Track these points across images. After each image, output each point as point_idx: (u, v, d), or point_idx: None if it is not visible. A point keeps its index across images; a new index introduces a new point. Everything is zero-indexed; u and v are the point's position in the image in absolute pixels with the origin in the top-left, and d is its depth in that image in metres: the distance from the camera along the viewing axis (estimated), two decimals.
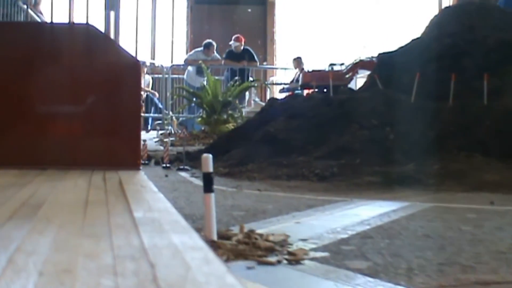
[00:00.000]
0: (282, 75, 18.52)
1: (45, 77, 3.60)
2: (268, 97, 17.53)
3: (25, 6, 11.62)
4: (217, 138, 8.34)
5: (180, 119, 15.84)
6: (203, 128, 12.73)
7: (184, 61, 16.65)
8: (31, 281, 1.09)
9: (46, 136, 3.56)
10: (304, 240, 3.04)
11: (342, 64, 11.60)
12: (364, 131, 6.58)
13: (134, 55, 15.34)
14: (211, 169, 2.80)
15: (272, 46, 20.23)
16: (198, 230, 3.19)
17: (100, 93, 3.64)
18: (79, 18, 19.62)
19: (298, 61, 17.25)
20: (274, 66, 19.39)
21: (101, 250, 1.36)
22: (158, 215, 1.93)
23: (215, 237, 2.77)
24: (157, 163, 7.13)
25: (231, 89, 11.94)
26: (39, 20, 12.54)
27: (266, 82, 16.66)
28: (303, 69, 17.30)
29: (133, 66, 3.68)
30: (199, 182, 5.50)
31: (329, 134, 6.73)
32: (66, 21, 18.56)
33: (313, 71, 11.97)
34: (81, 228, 1.65)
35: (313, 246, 2.93)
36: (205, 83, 12.47)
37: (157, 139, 12.11)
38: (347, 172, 5.82)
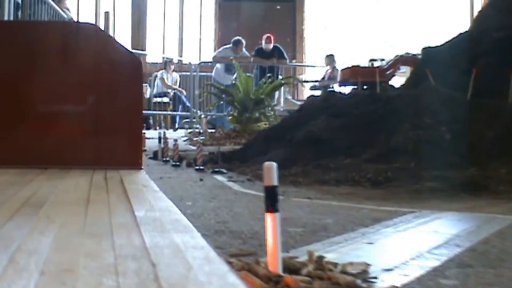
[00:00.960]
0: (312, 73, 17.84)
1: (46, 76, 3.51)
2: (299, 95, 16.86)
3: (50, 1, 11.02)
4: (253, 138, 7.64)
5: (208, 117, 15.23)
6: (232, 127, 12.13)
7: (213, 58, 16.03)
8: (32, 281, 1.07)
9: (47, 135, 3.46)
10: (389, 270, 2.34)
11: (383, 60, 10.83)
12: (417, 131, 5.85)
13: (162, 52, 14.79)
14: (275, 182, 2.11)
15: (301, 43, 19.53)
16: (254, 255, 2.51)
17: (101, 92, 3.54)
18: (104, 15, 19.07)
19: (330, 59, 16.60)
20: (304, 64, 18.68)
21: (103, 250, 1.33)
22: (159, 214, 1.84)
23: (280, 270, 2.07)
24: (189, 164, 6.44)
25: (263, 87, 11.24)
26: (65, 16, 12.01)
27: (300, 80, 15.94)
28: (334, 67, 16.64)
29: (135, 65, 3.56)
30: (238, 188, 4.82)
31: (377, 134, 6.02)
32: (92, 17, 18.02)
33: (352, 67, 11.16)
34: (82, 228, 1.61)
35: (404, 280, 2.22)
36: (234, 80, 11.77)
37: (186, 138, 11.50)
38: (403, 176, 5.10)
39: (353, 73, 10.60)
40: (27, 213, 1.84)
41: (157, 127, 17.09)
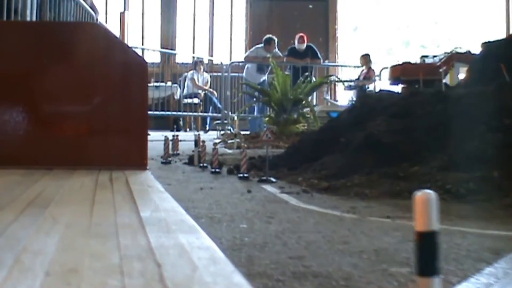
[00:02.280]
0: (345, 73, 16.97)
1: (52, 77, 3.43)
2: (335, 96, 15.96)
3: None
4: (298, 141, 6.74)
5: (235, 117, 14.40)
6: (265, 129, 11.27)
7: (245, 58, 15.17)
8: (38, 281, 1.05)
9: (53, 135, 3.42)
10: None
11: (435, 56, 9.83)
12: (495, 134, 4.93)
13: (192, 52, 14.02)
14: (435, 224, 1.23)
15: (333, 43, 18.60)
16: None
17: (107, 93, 3.50)
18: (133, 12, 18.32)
19: (366, 58, 15.75)
20: (338, 64, 17.77)
21: (108, 250, 1.30)
22: (165, 215, 1.75)
23: None
24: (230, 171, 5.57)
25: (301, 86, 10.34)
26: (92, 13, 11.27)
27: (341, 79, 15.04)
28: (370, 67, 15.80)
29: (140, 66, 3.49)
30: (296, 202, 3.94)
31: (447, 137, 5.10)
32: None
33: (403, 64, 10.14)
34: (87, 228, 1.57)
35: None
36: (272, 79, 10.87)
37: (219, 141, 10.68)
38: (488, 188, 4.19)
39: (404, 71, 9.59)
40: (33, 213, 1.80)
41: (187, 129, 16.31)
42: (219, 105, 15.87)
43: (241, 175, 5.19)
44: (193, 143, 9.91)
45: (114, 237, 1.43)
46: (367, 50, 17.10)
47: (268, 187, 4.64)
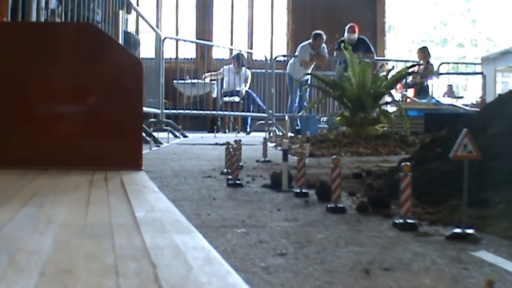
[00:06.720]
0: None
1: (48, 77, 3.28)
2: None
3: None
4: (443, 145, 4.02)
5: (286, 117, 11.79)
6: (327, 130, 8.73)
7: (300, 64, 12.78)
8: (32, 282, 0.99)
9: (48, 136, 3.25)
10: None
11: None
12: None
13: (230, 45, 11.64)
14: None
15: (382, 38, 15.96)
16: None
17: (101, 93, 3.31)
18: (167, 13, 15.83)
19: (424, 52, 13.29)
20: (392, 58, 15.17)
21: (103, 250, 1.24)
22: (159, 215, 1.66)
23: None
24: (361, 208, 2.90)
25: (382, 78, 7.69)
26: None
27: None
28: (428, 61, 13.28)
29: (135, 66, 3.26)
30: None
31: None
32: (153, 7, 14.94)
33: None
34: (82, 228, 1.48)
35: None
36: (344, 71, 8.23)
37: (274, 145, 8.09)
38: None
39: None
40: (28, 213, 1.70)
41: (226, 130, 13.81)
42: (261, 104, 13.35)
43: (400, 220, 2.50)
44: (246, 148, 7.28)
45: (109, 237, 1.34)
46: (404, 49, 14.64)
47: (507, 265, 1.94)
